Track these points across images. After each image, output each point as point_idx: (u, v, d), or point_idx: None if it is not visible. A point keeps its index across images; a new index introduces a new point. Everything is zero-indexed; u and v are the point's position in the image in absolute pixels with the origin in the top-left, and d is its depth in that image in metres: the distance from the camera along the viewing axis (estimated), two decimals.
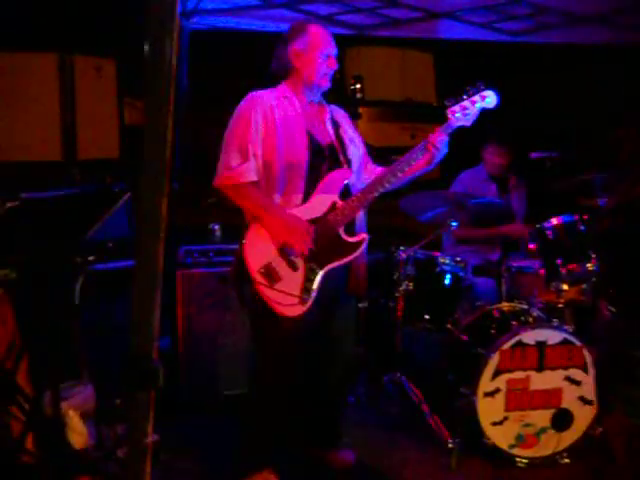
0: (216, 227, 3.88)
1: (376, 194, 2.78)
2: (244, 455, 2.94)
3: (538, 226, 3.42)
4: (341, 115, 3.02)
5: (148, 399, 1.24)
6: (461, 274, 3.61)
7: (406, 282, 3.53)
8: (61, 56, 9.30)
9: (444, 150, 2.81)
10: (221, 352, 3.63)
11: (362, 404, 3.67)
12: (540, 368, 3.12)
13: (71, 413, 3.22)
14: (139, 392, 1.24)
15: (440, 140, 2.78)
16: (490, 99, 2.82)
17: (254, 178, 2.72)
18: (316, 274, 2.70)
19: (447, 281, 3.61)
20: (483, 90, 2.83)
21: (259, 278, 2.64)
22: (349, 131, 3.00)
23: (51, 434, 2.78)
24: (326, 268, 2.72)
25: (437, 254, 3.67)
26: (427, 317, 3.59)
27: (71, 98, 9.43)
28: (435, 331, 3.61)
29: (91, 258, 2.93)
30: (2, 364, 2.85)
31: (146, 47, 1.20)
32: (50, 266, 2.61)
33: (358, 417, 3.48)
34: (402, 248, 3.63)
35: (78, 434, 3.28)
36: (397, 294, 3.54)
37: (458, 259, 3.65)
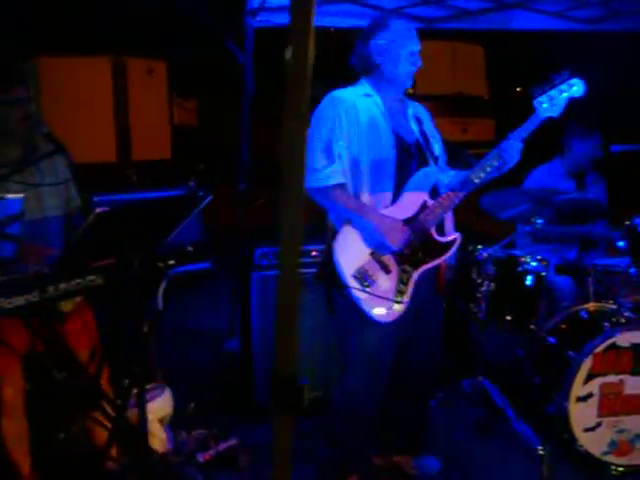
0: None
1: (464, 194, 2.68)
2: (330, 461, 2.87)
3: (628, 223, 3.27)
4: (422, 111, 2.93)
5: (293, 421, 1.16)
6: (543, 273, 3.48)
7: (487, 282, 3.40)
8: (114, 59, 9.41)
9: (515, 157, 2.65)
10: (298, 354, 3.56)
11: (442, 408, 3.57)
12: (635, 371, 2.98)
13: (150, 417, 3.20)
14: (285, 414, 1.16)
15: (509, 147, 2.62)
16: (577, 87, 2.68)
17: (341, 180, 2.64)
18: (410, 276, 2.61)
19: (529, 281, 3.47)
20: (569, 78, 2.69)
21: (352, 282, 2.56)
22: (431, 127, 2.90)
23: (136, 440, 2.74)
24: (420, 269, 2.64)
25: (518, 253, 3.54)
26: (509, 318, 3.46)
27: (124, 100, 9.53)
28: (517, 332, 3.48)
29: (171, 262, 2.88)
30: (86, 369, 2.83)
31: (288, 52, 1.13)
32: (136, 271, 2.56)
33: (439, 422, 3.38)
34: (479, 247, 3.51)
35: (158, 439, 3.26)
36: (478, 294, 3.42)
37: (540, 258, 3.51)
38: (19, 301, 2.34)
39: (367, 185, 2.66)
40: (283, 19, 4.41)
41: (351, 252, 2.62)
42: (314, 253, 3.59)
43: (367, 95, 2.74)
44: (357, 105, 2.69)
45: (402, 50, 2.71)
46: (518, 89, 11.39)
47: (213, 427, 3.39)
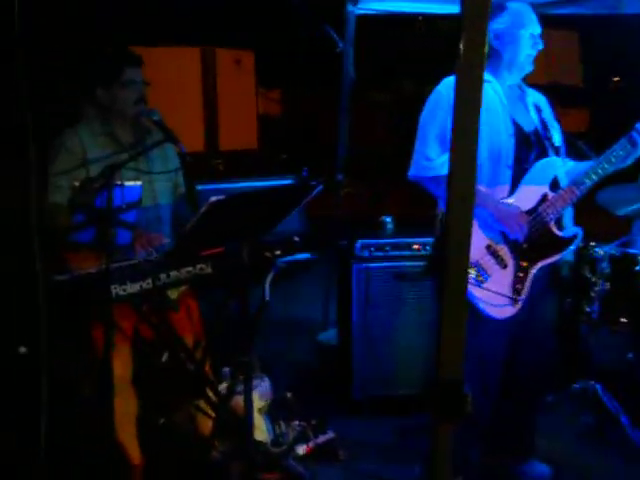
0: (388, 220, 3.72)
1: (587, 187, 2.54)
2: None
3: None
4: (541, 99, 2.79)
5: (453, 428, 1.09)
6: None
7: (602, 281, 3.23)
8: (203, 50, 9.51)
9: None
10: (395, 350, 3.49)
11: (552, 412, 3.41)
12: None
13: None
14: (445, 421, 1.08)
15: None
16: None
17: None
18: (527, 272, 2.50)
19: None
20: None
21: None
22: (550, 116, 2.76)
23: (240, 430, 2.73)
24: (538, 265, 2.51)
25: (636, 252, 3.34)
26: (623, 320, 3.27)
27: (213, 90, 9.63)
28: (632, 335, 3.29)
29: (278, 252, 2.85)
30: (192, 356, 2.84)
31: (461, 44, 1.05)
32: (244, 261, 2.54)
33: (548, 426, 3.23)
34: (593, 244, 3.33)
35: (258, 429, 3.25)
36: (592, 294, 3.25)
37: None
38: (133, 288, 2.36)
39: (483, 175, 2.55)
40: (384, 6, 4.32)
41: None
42: (416, 247, 3.51)
43: (485, 82, 2.63)
44: None
45: (523, 32, 2.58)
46: (616, 79, 10.89)
47: (311, 419, 3.36)
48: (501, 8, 2.62)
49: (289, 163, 10.96)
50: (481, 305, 2.47)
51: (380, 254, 3.50)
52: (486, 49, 2.56)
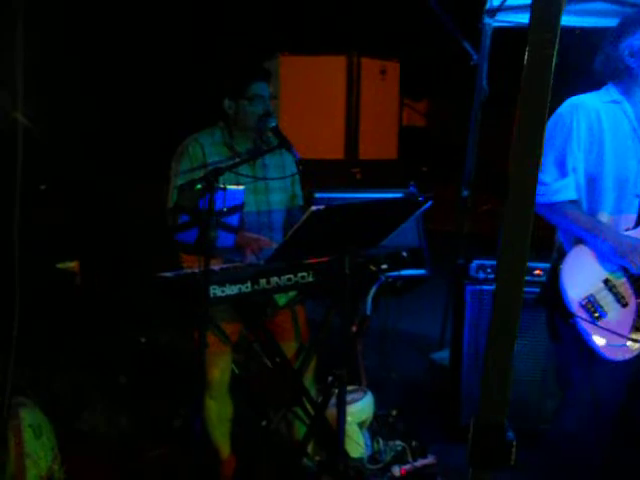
0: None
1: None
2: None
3: None
4: None
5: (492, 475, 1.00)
6: None
7: None
8: (349, 58, 9.63)
9: None
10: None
11: None
12: None
13: (349, 419, 3.16)
14: (484, 468, 1.00)
15: None
16: None
17: (574, 196, 2.37)
18: None
19: None
20: None
21: (580, 311, 2.29)
22: None
23: (333, 441, 2.70)
24: None
25: None
26: None
27: (356, 99, 9.71)
28: None
29: (384, 267, 2.81)
30: (290, 364, 2.86)
31: (527, 53, 0.97)
32: (347, 272, 2.52)
33: None
34: None
35: (355, 443, 3.22)
36: None
37: None
38: (232, 290, 2.41)
39: (606, 204, 2.37)
40: (524, 19, 4.15)
41: (581, 277, 2.34)
42: (538, 272, 3.32)
43: (614, 102, 2.43)
44: (601, 113, 2.39)
45: None
46: None
47: (412, 440, 3.28)
48: (638, 23, 2.42)
49: (428, 175, 10.83)
50: (595, 344, 2.29)
51: None
52: (618, 65, 2.41)
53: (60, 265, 3.75)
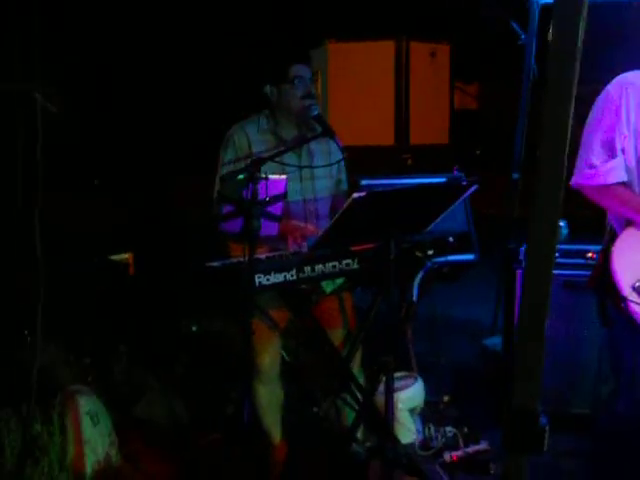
0: (562, 224, 3.49)
1: None
2: None
3: None
4: None
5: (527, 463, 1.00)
6: None
7: None
8: (398, 43, 9.53)
9: None
10: (562, 365, 3.28)
11: None
12: None
13: (400, 406, 3.17)
14: (519, 455, 1.00)
15: None
16: None
17: (623, 178, 2.32)
18: None
19: None
20: None
21: (632, 295, 2.24)
22: None
23: (382, 427, 2.72)
24: None
25: None
26: None
27: (406, 84, 9.62)
28: None
29: (430, 252, 2.80)
30: (337, 350, 2.88)
31: (552, 29, 0.96)
32: (393, 259, 2.52)
33: None
34: None
35: (405, 429, 3.23)
36: None
37: None
38: (277, 278, 2.45)
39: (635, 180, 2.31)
40: None
41: (633, 259, 2.28)
42: (590, 255, 3.26)
43: None
44: None
45: None
46: None
47: (465, 426, 3.27)
48: None
49: (481, 159, 10.67)
50: None
51: None
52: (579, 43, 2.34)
53: (114, 257, 3.87)
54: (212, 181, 2.88)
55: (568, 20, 0.92)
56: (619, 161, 2.31)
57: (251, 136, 2.84)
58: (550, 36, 0.96)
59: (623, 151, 2.31)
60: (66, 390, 2.68)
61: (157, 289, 3.84)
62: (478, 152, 11.09)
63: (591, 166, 2.33)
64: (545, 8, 4.07)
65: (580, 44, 0.96)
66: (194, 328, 3.44)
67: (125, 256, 3.68)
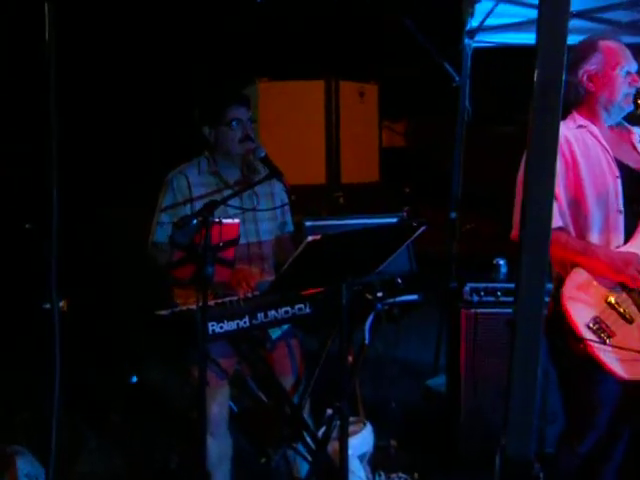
0: (501, 262, 3.61)
1: None
2: None
3: None
4: None
5: None
6: None
7: None
8: (327, 82, 9.72)
9: None
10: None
11: None
12: None
13: (350, 452, 3.15)
14: None
15: None
16: None
17: (559, 223, 2.43)
18: None
19: None
20: None
21: (588, 334, 2.32)
22: None
23: (335, 477, 2.71)
24: None
25: None
26: None
27: (336, 123, 9.79)
28: None
29: (380, 295, 2.83)
30: (289, 397, 2.86)
31: (537, 70, 1.01)
32: (343, 302, 2.54)
33: None
34: None
35: (356, 477, 3.20)
36: None
37: None
38: (230, 326, 2.43)
39: (593, 225, 2.45)
40: (503, 38, 4.25)
41: (583, 300, 2.38)
42: None
43: (581, 127, 2.53)
44: (570, 139, 2.49)
45: (617, 72, 2.50)
46: None
47: (414, 472, 3.28)
48: (592, 48, 2.54)
49: (412, 197, 10.91)
50: (609, 363, 2.31)
51: (491, 299, 3.41)
52: (580, 91, 2.47)
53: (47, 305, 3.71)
54: (147, 226, 2.85)
55: (552, 61, 0.97)
56: (554, 209, 2.41)
57: (191, 179, 2.84)
58: (535, 76, 1.00)
59: (557, 198, 2.43)
60: (3, 452, 2.55)
61: (95, 338, 3.72)
62: (407, 190, 11.33)
63: None
64: (477, 51, 4.27)
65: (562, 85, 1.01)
66: (134, 379, 3.34)
67: (59, 304, 3.54)
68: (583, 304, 2.37)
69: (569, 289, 2.41)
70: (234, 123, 2.81)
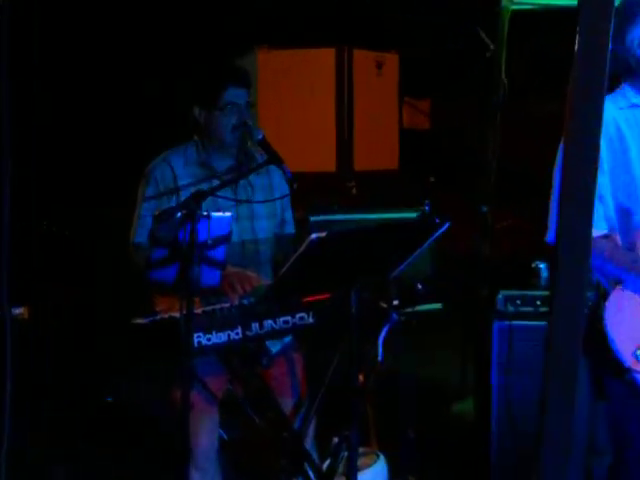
0: (542, 266, 3.61)
1: None
2: None
3: None
4: None
5: None
6: None
7: None
8: (339, 51, 9.71)
9: None
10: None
11: None
12: None
13: None
14: None
15: None
16: None
17: (603, 228, 2.42)
18: None
19: None
20: None
21: (634, 363, 2.32)
22: None
23: None
24: None
25: None
26: None
27: (349, 99, 9.78)
28: None
29: (396, 303, 2.84)
30: (288, 422, 2.87)
31: (578, 39, 1.02)
32: (353, 311, 2.55)
33: None
34: None
35: None
36: None
37: None
38: (220, 338, 2.44)
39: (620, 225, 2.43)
40: None
41: (629, 323, 2.38)
42: None
43: (633, 106, 2.47)
44: (621, 124, 2.43)
45: None
46: None
47: None
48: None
49: (436, 187, 10.89)
50: None
51: (528, 309, 3.41)
52: (630, 61, 2.45)
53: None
54: (128, 221, 2.87)
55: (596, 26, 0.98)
56: (598, 210, 2.39)
57: (176, 169, 2.85)
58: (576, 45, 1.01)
59: (600, 199, 2.40)
60: None
61: (61, 350, 3.74)
62: (432, 179, 11.32)
63: None
64: (517, 14, 4.25)
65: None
66: (109, 398, 3.37)
67: (18, 311, 3.56)
68: (630, 327, 2.37)
69: (612, 310, 2.39)
70: (228, 108, 2.81)
